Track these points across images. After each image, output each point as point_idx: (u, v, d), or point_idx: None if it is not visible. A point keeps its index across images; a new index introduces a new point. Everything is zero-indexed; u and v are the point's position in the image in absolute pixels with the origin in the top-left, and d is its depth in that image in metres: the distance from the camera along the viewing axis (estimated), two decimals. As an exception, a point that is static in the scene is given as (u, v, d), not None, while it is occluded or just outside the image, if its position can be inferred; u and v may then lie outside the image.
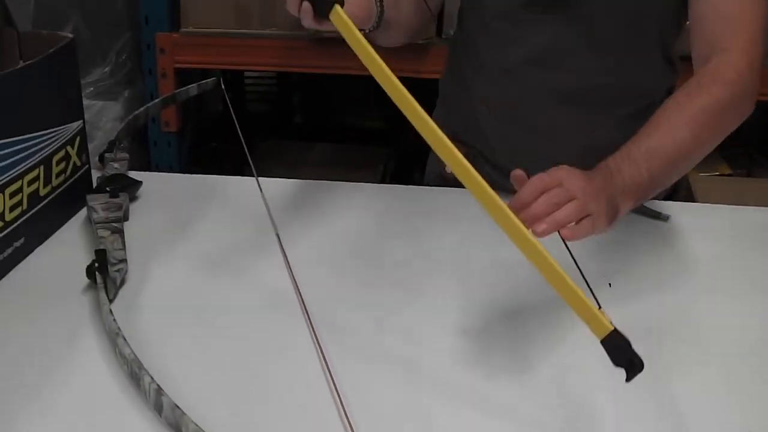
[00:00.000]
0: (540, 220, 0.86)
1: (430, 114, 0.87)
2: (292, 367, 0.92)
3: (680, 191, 1.41)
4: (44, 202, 1.13)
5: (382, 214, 1.26)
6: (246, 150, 1.28)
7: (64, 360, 0.92)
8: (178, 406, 0.80)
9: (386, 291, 1.06)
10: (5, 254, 1.06)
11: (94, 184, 1.23)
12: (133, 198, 1.24)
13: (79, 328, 0.97)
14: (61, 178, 1.16)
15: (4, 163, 1.03)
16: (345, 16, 0.95)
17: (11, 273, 1.07)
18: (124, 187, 1.21)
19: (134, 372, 0.85)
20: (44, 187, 1.12)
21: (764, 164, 2.51)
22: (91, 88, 2.29)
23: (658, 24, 1.22)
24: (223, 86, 1.43)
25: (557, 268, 0.79)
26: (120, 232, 1.10)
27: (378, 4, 1.13)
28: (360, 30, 0.95)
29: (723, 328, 1.03)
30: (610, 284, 1.09)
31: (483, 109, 1.32)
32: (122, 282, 1.04)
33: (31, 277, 1.07)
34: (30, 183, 1.09)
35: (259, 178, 1.28)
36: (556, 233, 0.86)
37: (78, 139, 1.19)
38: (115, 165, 1.27)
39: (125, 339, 0.89)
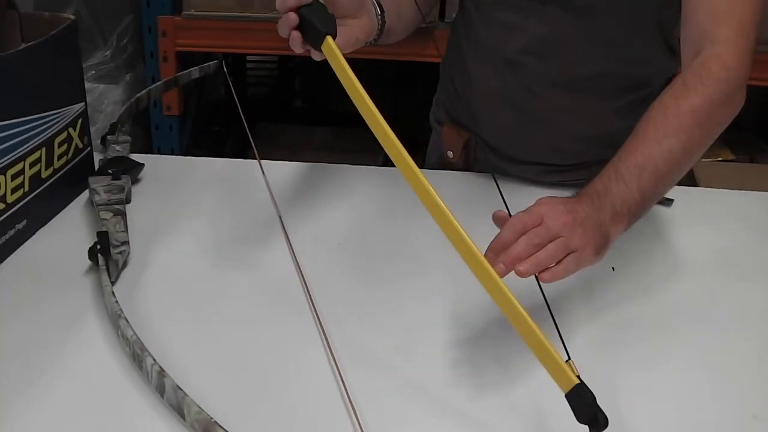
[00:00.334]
0: (521, 261, 0.84)
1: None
2: (294, 349, 0.92)
3: (683, 177, 1.41)
4: (46, 184, 1.13)
5: (384, 196, 1.26)
6: (248, 133, 1.28)
7: (67, 342, 0.92)
8: (180, 388, 0.80)
9: (389, 272, 1.06)
10: (7, 236, 1.06)
11: (96, 167, 1.23)
12: (135, 180, 1.24)
13: (82, 310, 0.97)
14: (63, 160, 1.16)
15: (5, 145, 1.03)
16: (336, 48, 0.94)
17: (13, 255, 1.07)
18: (127, 170, 1.21)
19: (136, 353, 0.86)
20: (46, 169, 1.12)
21: (767, 150, 2.51)
22: (93, 72, 2.29)
23: (658, 13, 1.21)
24: (225, 69, 1.43)
25: (521, 311, 0.77)
26: (122, 214, 1.10)
27: (379, 18, 1.13)
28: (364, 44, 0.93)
29: (727, 311, 1.03)
30: (613, 268, 1.09)
31: (483, 96, 1.32)
32: (124, 264, 1.04)
33: (33, 259, 1.07)
34: (32, 165, 1.09)
35: (261, 161, 1.28)
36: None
37: (80, 121, 1.18)
38: (117, 147, 1.27)
39: (127, 321, 0.89)
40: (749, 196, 1.33)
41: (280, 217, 1.16)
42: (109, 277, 0.98)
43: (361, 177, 1.32)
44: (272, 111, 2.78)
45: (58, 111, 1.13)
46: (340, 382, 0.86)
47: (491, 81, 1.28)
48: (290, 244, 1.10)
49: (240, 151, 2.45)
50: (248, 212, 1.19)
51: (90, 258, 1.01)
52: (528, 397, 0.86)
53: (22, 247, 1.09)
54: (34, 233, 1.11)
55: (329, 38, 0.95)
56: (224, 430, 0.75)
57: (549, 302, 0.83)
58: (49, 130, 1.11)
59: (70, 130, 1.16)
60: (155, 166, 1.29)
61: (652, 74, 1.27)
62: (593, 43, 1.20)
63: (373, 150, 2.57)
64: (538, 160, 1.32)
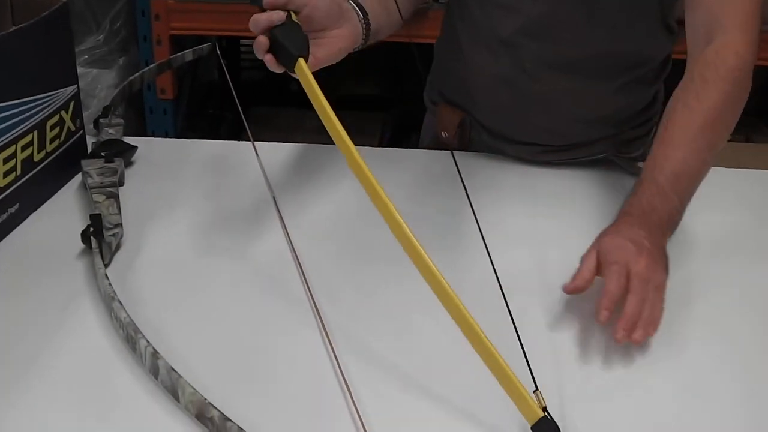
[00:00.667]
0: (635, 323, 0.88)
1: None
2: (289, 329, 0.92)
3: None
4: (38, 168, 1.12)
5: (380, 177, 1.25)
6: (242, 114, 1.27)
7: (60, 325, 0.91)
8: (174, 370, 0.80)
9: (384, 252, 1.06)
10: (0, 220, 1.05)
11: (89, 150, 1.23)
12: (128, 163, 1.23)
13: (75, 292, 0.96)
14: (56, 143, 1.15)
15: (-3, 128, 1.02)
16: (307, 71, 0.93)
17: (6, 239, 1.06)
18: (120, 152, 1.20)
19: (130, 336, 0.85)
20: (38, 152, 1.11)
21: (763, 129, 2.50)
22: (86, 56, 2.28)
23: None
24: (218, 51, 1.42)
25: (484, 339, 0.77)
26: (115, 196, 1.09)
27: (363, 22, 1.10)
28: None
29: (726, 291, 1.03)
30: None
31: (477, 77, 1.31)
32: (117, 247, 1.03)
33: (27, 242, 1.07)
34: (24, 148, 1.08)
35: (255, 143, 1.28)
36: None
37: (72, 104, 1.18)
38: (110, 130, 1.26)
39: (121, 303, 0.89)
40: (745, 175, 1.32)
41: (274, 198, 1.16)
42: (102, 260, 0.97)
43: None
44: (266, 94, 2.77)
45: (50, 94, 1.12)
46: (335, 363, 0.86)
47: (486, 62, 1.28)
48: (284, 226, 1.10)
49: (235, 134, 2.45)
50: (242, 194, 1.19)
51: (83, 241, 1.01)
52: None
53: (15, 230, 1.08)
54: (27, 217, 1.11)
55: (301, 60, 0.94)
56: (218, 411, 0.75)
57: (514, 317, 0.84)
58: (41, 113, 1.10)
59: (63, 113, 1.16)
60: (148, 148, 1.28)
61: (648, 54, 1.27)
62: (592, 23, 1.19)
63: (368, 132, 2.57)
64: (533, 140, 1.31)
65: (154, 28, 2.23)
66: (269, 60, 0.96)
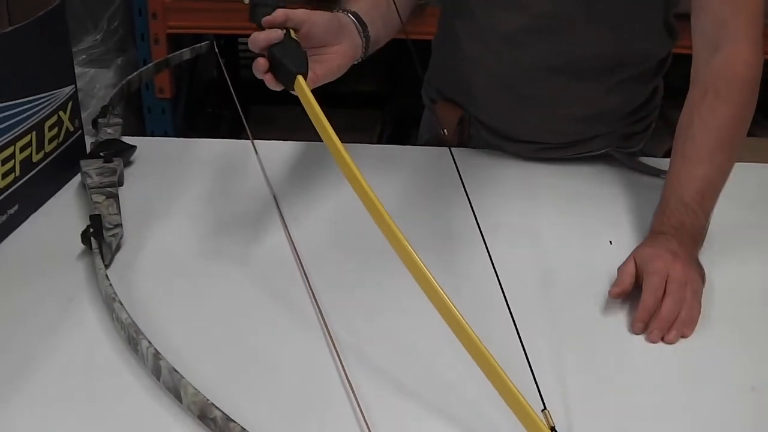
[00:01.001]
0: (669, 322, 0.92)
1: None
2: (290, 329, 0.92)
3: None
4: (37, 168, 1.12)
5: (380, 174, 1.25)
6: (241, 112, 1.27)
7: (61, 326, 0.91)
8: (176, 370, 0.79)
9: (383, 248, 1.05)
10: (-1, 221, 1.05)
11: (88, 150, 1.22)
12: (127, 163, 1.23)
13: (76, 293, 0.96)
14: (54, 143, 1.15)
15: (-6, 129, 1.02)
16: (306, 89, 0.93)
17: (6, 240, 1.06)
18: (118, 152, 1.20)
19: (131, 336, 0.85)
20: (37, 153, 1.11)
21: (764, 123, 2.50)
22: (83, 56, 2.27)
23: None
24: (216, 50, 1.42)
25: (488, 357, 0.75)
26: (115, 197, 1.09)
27: (362, 35, 1.09)
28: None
29: (727, 283, 1.02)
30: (611, 242, 1.08)
31: (476, 75, 1.30)
32: (118, 247, 1.03)
33: (26, 244, 1.06)
34: (22, 149, 1.08)
35: (255, 141, 1.27)
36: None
37: (70, 104, 1.17)
38: (109, 130, 1.25)
39: (122, 303, 0.88)
40: (747, 169, 1.32)
41: (274, 197, 1.16)
42: (103, 261, 0.97)
43: (356, 155, 1.31)
44: (266, 93, 2.76)
45: (48, 94, 1.11)
46: (338, 362, 0.85)
47: (485, 60, 1.27)
48: (285, 224, 1.09)
49: (234, 133, 2.44)
50: (242, 193, 1.19)
51: (83, 241, 1.01)
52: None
53: (14, 232, 1.08)
54: (26, 218, 1.10)
55: (300, 78, 0.93)
56: (221, 411, 0.75)
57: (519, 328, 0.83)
58: (38, 114, 1.10)
59: (60, 113, 1.15)
60: (147, 148, 1.28)
61: (649, 52, 1.27)
62: (594, 21, 1.18)
63: (367, 130, 2.57)
64: (531, 138, 1.31)
65: (152, 26, 2.23)
66: (269, 79, 0.96)
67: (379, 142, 2.45)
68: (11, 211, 1.07)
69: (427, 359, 0.88)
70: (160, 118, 2.39)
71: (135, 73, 1.38)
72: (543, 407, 0.75)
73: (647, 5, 1.19)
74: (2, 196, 1.05)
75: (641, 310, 0.93)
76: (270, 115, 2.57)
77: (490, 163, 1.30)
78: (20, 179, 1.08)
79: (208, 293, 0.98)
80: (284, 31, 0.96)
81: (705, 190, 1.04)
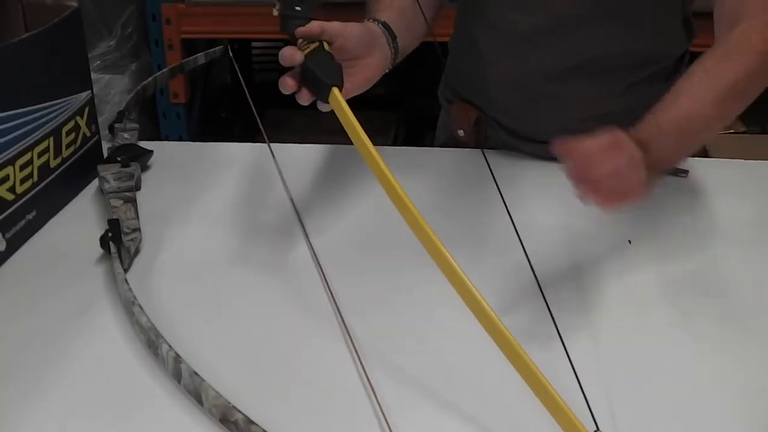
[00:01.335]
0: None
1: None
2: (311, 332, 0.91)
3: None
4: (55, 174, 1.12)
5: (397, 176, 1.24)
6: (256, 115, 1.27)
7: (81, 331, 0.91)
8: (197, 373, 0.79)
9: (402, 252, 1.05)
10: (18, 227, 1.05)
11: (105, 155, 1.22)
12: (144, 167, 1.23)
13: (95, 298, 0.96)
14: (72, 149, 1.15)
15: (13, 135, 1.02)
16: (342, 100, 0.92)
17: (25, 245, 1.06)
18: (135, 157, 1.20)
19: (151, 340, 0.85)
20: (55, 158, 1.11)
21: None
22: (98, 62, 2.29)
23: None
24: (230, 54, 1.42)
25: (535, 371, 0.72)
26: (132, 201, 1.09)
27: (392, 46, 1.09)
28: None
29: (745, 281, 1.02)
30: (630, 241, 1.08)
31: (493, 75, 1.30)
32: (136, 251, 1.03)
33: (45, 249, 1.07)
34: (40, 155, 1.08)
35: (271, 144, 1.27)
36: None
37: (87, 109, 1.18)
38: (125, 135, 1.26)
39: (141, 307, 0.88)
40: (766, 165, 1.31)
41: (291, 199, 1.16)
42: (122, 265, 0.97)
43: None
44: (280, 96, 2.77)
45: (64, 99, 1.12)
46: (359, 365, 0.85)
47: (502, 60, 1.27)
48: (303, 226, 1.09)
49: (249, 137, 2.43)
50: (260, 196, 1.18)
51: (102, 246, 1.01)
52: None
53: (33, 237, 1.08)
54: (45, 223, 1.11)
55: (335, 90, 0.92)
56: (242, 414, 0.75)
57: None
58: (56, 119, 1.10)
59: (77, 118, 1.15)
60: (164, 152, 1.28)
61: (666, 51, 1.26)
62: (611, 20, 1.17)
63: (383, 132, 2.56)
64: (549, 138, 1.30)
65: (165, 32, 2.23)
66: (304, 93, 0.95)
67: (394, 145, 2.45)
68: (30, 216, 1.07)
69: (458, 369, 0.86)
70: (174, 122, 2.39)
71: (150, 78, 1.38)
72: (596, 428, 0.73)
73: (665, 3, 1.19)
74: (20, 202, 1.05)
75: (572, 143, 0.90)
76: (284, 118, 2.57)
77: (511, 164, 1.29)
78: (38, 185, 1.08)
79: (227, 296, 0.98)
80: (317, 43, 0.95)
81: (683, 124, 0.98)
